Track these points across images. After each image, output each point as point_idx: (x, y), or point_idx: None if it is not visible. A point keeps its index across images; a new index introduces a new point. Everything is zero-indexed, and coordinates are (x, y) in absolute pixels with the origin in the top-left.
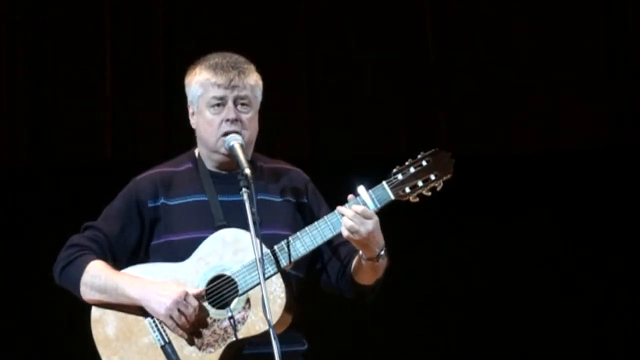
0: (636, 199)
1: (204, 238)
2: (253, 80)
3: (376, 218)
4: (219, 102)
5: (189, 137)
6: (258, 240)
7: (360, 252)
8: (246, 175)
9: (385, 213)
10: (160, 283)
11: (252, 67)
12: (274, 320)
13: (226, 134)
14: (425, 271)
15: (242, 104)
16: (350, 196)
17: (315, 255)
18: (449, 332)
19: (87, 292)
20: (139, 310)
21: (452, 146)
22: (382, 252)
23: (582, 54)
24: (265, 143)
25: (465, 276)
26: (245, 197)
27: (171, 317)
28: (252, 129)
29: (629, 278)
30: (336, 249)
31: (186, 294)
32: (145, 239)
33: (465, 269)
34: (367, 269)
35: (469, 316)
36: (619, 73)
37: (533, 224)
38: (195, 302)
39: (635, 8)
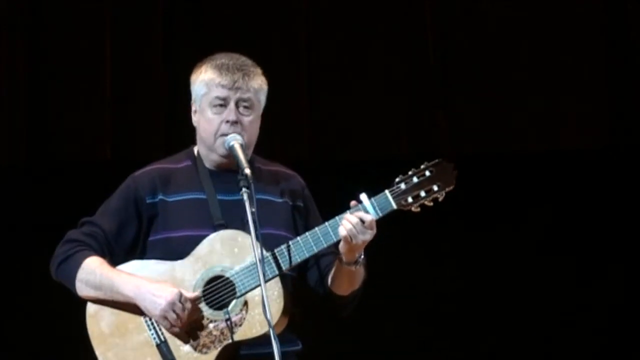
0: (636, 199)
1: (202, 236)
2: (257, 84)
3: (375, 230)
4: (221, 102)
5: (189, 137)
6: (259, 244)
7: (342, 255)
8: (246, 175)
9: (387, 214)
10: (156, 283)
11: (258, 71)
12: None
13: (224, 135)
14: (423, 271)
15: (245, 107)
16: (352, 203)
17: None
18: (446, 333)
19: (82, 289)
20: (135, 308)
21: (452, 146)
22: (360, 258)
23: (582, 54)
24: (265, 143)
25: (465, 276)
26: (245, 197)
27: (166, 318)
28: (252, 132)
29: (629, 278)
30: (319, 259)
31: (181, 296)
32: (143, 235)
33: (464, 269)
34: (344, 275)
35: (468, 316)
36: (618, 73)
37: (533, 224)
38: (189, 304)
39: (635, 8)
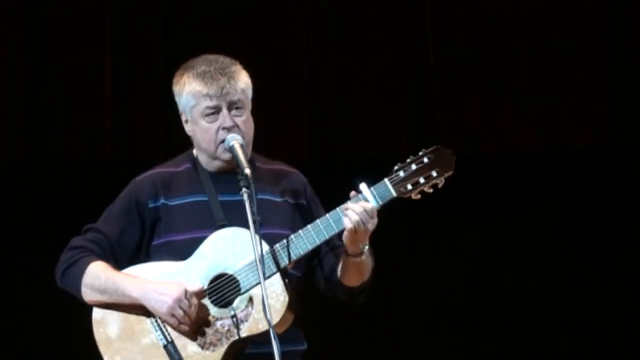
0: (636, 199)
1: (205, 238)
2: (243, 82)
3: (376, 219)
4: (212, 111)
5: (188, 138)
6: (258, 239)
7: (346, 247)
8: (246, 175)
9: (386, 212)
10: (160, 282)
11: (239, 68)
12: (276, 320)
13: (224, 141)
14: (424, 271)
15: (236, 108)
16: (352, 193)
17: (308, 257)
18: (448, 332)
19: (88, 294)
20: (141, 310)
21: (452, 146)
22: (365, 249)
23: (582, 53)
24: (266, 143)
25: (465, 276)
26: (245, 197)
27: (174, 316)
28: (249, 130)
29: (629, 278)
30: (325, 254)
31: (187, 292)
32: (146, 240)
33: (464, 268)
34: (352, 267)
35: (468, 316)
36: (619, 73)
37: (533, 224)
38: (196, 300)
39: (635, 8)
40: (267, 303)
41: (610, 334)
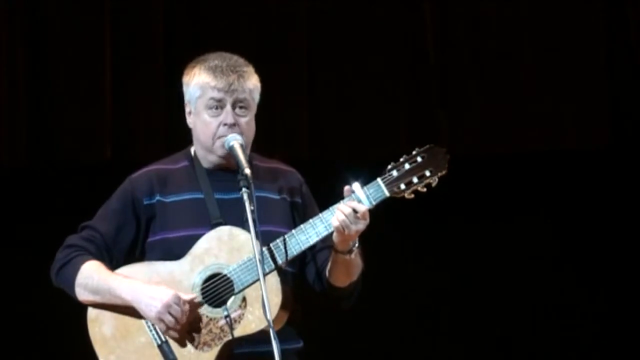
0: (636, 199)
1: (200, 235)
2: (252, 84)
3: (368, 220)
4: (217, 104)
5: (189, 137)
6: (258, 243)
7: (336, 245)
8: (246, 176)
9: (386, 213)
10: (152, 286)
11: (251, 69)
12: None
13: (222, 137)
14: (423, 271)
15: (240, 107)
16: (346, 189)
17: (302, 254)
18: (446, 332)
19: (81, 293)
20: (135, 310)
21: (452, 146)
22: (355, 247)
23: (582, 54)
24: (265, 143)
25: (465, 276)
26: (245, 197)
27: (162, 321)
28: (250, 132)
29: (629, 278)
30: (316, 254)
31: (178, 298)
32: (142, 237)
33: (464, 269)
34: (341, 265)
35: (467, 316)
36: (619, 73)
37: (533, 224)
38: (186, 306)
39: (635, 8)
40: (267, 303)
41: (611, 334)
